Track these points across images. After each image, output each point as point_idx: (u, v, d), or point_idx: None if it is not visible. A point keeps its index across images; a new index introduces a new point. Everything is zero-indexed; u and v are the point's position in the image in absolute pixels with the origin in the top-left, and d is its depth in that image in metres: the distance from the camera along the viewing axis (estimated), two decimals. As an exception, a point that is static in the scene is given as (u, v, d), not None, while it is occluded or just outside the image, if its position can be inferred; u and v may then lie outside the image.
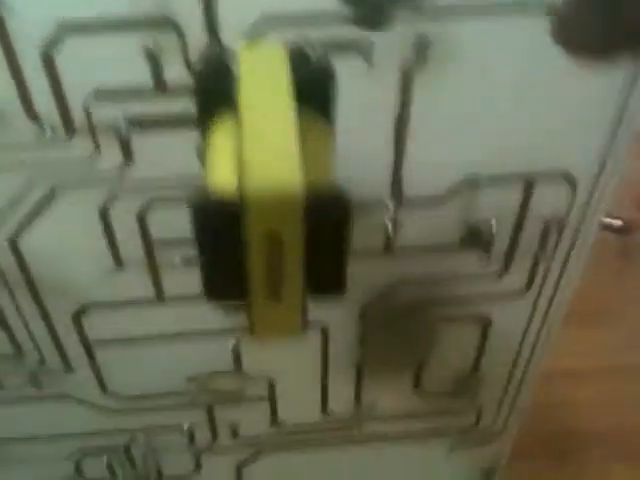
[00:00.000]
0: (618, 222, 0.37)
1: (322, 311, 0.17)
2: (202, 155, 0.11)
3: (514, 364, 0.19)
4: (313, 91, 0.11)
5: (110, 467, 0.21)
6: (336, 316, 0.17)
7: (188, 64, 0.12)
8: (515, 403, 0.21)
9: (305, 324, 0.11)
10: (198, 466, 0.21)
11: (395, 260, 0.16)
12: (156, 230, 0.14)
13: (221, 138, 0.11)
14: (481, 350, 0.18)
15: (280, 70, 0.10)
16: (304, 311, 0.11)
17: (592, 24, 0.09)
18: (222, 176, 0.10)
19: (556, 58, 0.13)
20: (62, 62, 0.12)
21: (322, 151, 0.11)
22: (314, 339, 0.18)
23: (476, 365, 0.19)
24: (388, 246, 0.16)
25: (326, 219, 0.09)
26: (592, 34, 0.09)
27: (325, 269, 0.10)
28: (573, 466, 0.27)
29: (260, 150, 0.09)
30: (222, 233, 0.10)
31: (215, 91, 0.11)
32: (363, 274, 0.16)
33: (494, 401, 0.20)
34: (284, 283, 0.10)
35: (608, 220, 0.37)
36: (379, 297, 0.17)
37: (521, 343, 0.18)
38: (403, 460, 0.22)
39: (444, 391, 0.20)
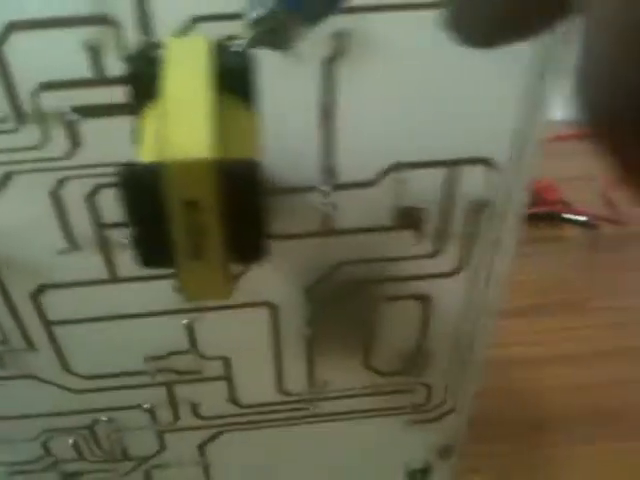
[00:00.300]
0: (584, 218, 0.39)
1: (271, 291, 0.18)
2: (135, 137, 0.13)
3: (457, 341, 0.20)
4: (236, 78, 0.12)
5: (77, 447, 0.22)
6: (284, 295, 0.18)
7: (123, 56, 0.13)
8: (464, 382, 0.22)
9: (232, 287, 0.12)
10: (162, 446, 0.22)
11: (335, 242, 0.17)
12: (107, 212, 0.16)
13: (148, 119, 0.12)
14: (424, 328, 0.20)
15: (202, 59, 0.12)
16: (229, 274, 0.12)
17: (476, 14, 0.10)
18: (147, 151, 0.11)
19: (460, 49, 0.14)
20: (10, 57, 0.13)
21: (245, 131, 0.12)
22: (264, 318, 0.19)
23: (421, 343, 0.20)
24: (327, 229, 0.17)
25: (238, 185, 0.10)
26: (476, 24, 0.10)
27: (244, 235, 0.11)
28: (536, 449, 0.29)
29: (176, 125, 0.10)
30: (146, 201, 0.11)
31: (144, 78, 0.12)
32: (306, 255, 0.17)
33: (442, 380, 0.22)
34: (206, 246, 0.11)
35: (574, 216, 0.39)
36: (323, 277, 0.18)
37: (461, 321, 0.20)
38: (360, 438, 0.23)
39: (393, 369, 0.21)
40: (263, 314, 0.19)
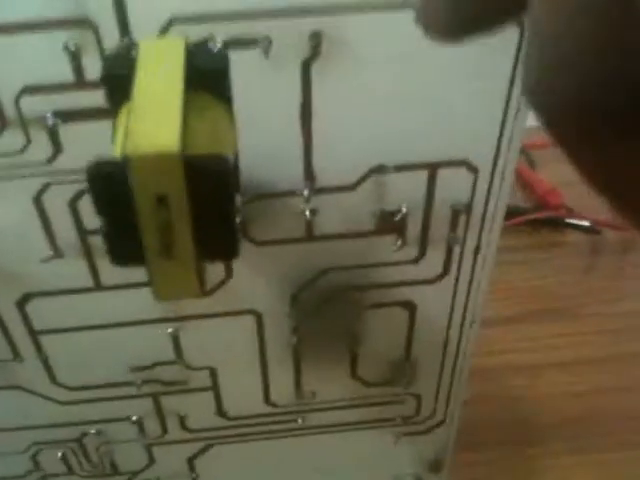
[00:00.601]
0: (587, 223, 0.38)
1: (255, 298, 0.18)
2: (112, 137, 0.13)
3: (444, 349, 0.20)
4: (211, 79, 0.12)
5: (66, 461, 0.22)
6: (268, 303, 0.18)
7: (102, 58, 0.13)
8: (453, 392, 0.22)
9: (204, 287, 0.12)
10: (152, 460, 0.22)
11: (317, 248, 0.17)
12: (90, 218, 0.16)
13: (120, 117, 0.12)
14: (410, 335, 0.20)
15: (176, 58, 0.12)
16: (201, 273, 0.12)
17: (442, 9, 0.10)
18: (117, 147, 0.11)
19: (440, 51, 0.14)
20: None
21: (219, 130, 0.12)
22: (249, 326, 0.19)
23: (408, 351, 0.20)
24: (309, 234, 0.17)
25: (207, 180, 0.11)
26: (445, 19, 0.11)
27: (215, 232, 0.11)
28: (527, 457, 0.28)
29: (145, 120, 0.10)
30: (116, 197, 0.11)
31: (121, 79, 0.12)
32: (289, 262, 0.17)
33: (431, 390, 0.21)
34: (176, 243, 0.11)
35: (577, 221, 0.39)
36: (307, 284, 0.18)
37: (448, 327, 0.20)
38: (349, 451, 0.23)
39: (381, 379, 0.21)
40: (248, 322, 0.19)
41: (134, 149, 0.10)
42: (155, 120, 0.10)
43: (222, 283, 0.17)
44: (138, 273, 0.14)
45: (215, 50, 0.13)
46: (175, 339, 0.19)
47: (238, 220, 0.12)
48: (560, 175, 0.34)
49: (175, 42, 0.12)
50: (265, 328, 0.19)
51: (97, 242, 0.16)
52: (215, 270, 0.17)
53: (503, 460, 0.28)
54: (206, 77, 0.12)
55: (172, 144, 0.10)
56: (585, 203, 0.38)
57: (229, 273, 0.17)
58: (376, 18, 0.14)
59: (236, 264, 0.17)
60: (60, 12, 0.13)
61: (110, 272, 0.17)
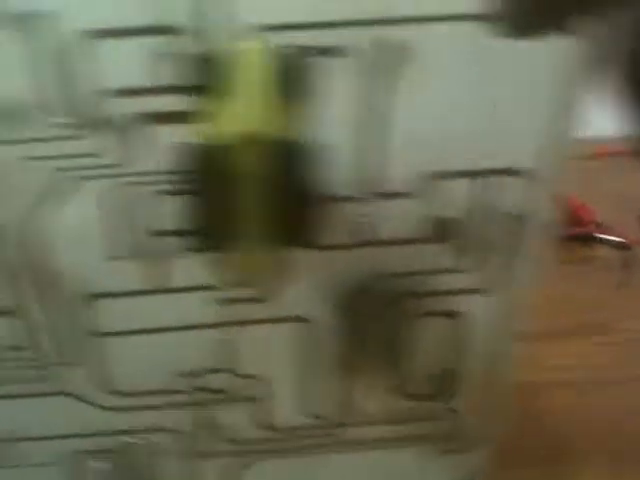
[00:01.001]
0: (618, 239, 0.39)
1: (305, 305, 0.18)
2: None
3: (488, 363, 0.20)
4: (291, 83, 0.13)
5: (107, 472, 0.22)
6: (318, 310, 0.18)
7: (184, 63, 0.14)
8: (495, 408, 0.22)
9: (283, 272, 0.13)
10: (195, 471, 0.22)
11: (368, 253, 0.18)
12: (160, 220, 0.16)
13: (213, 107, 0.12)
14: (456, 347, 0.20)
15: (261, 60, 0.12)
16: (281, 257, 0.12)
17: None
18: (208, 132, 0.12)
19: (492, 60, 0.15)
20: (78, 64, 0.14)
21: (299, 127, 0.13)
22: (297, 334, 0.19)
23: (451, 363, 0.20)
24: (361, 240, 0.17)
25: (295, 163, 0.11)
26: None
27: (298, 217, 0.12)
28: (569, 477, 0.28)
29: (236, 106, 0.11)
30: (205, 179, 0.11)
31: (206, 84, 0.13)
32: (340, 267, 0.18)
33: (473, 406, 0.21)
34: (257, 226, 0.12)
35: (608, 237, 0.39)
36: (356, 290, 0.18)
37: (492, 341, 0.20)
38: (387, 466, 0.23)
39: (423, 392, 0.21)
40: (296, 329, 0.19)
41: (225, 133, 0.11)
42: (246, 107, 0.11)
43: (274, 288, 0.18)
44: (199, 275, 0.14)
45: (296, 54, 0.13)
46: (226, 345, 0.19)
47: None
48: (591, 190, 0.35)
49: (260, 46, 0.13)
50: (313, 336, 0.19)
51: (165, 244, 0.16)
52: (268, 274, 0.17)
53: (544, 479, 0.27)
54: (288, 81, 0.13)
55: (266, 126, 0.11)
56: (616, 219, 0.39)
57: (281, 277, 0.17)
58: (435, 28, 0.14)
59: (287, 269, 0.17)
60: (147, 20, 0.14)
61: (172, 274, 0.17)
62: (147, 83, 0.14)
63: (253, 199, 0.11)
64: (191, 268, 0.16)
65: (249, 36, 0.13)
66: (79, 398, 0.19)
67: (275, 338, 0.19)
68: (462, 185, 0.17)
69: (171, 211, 0.15)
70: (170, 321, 0.18)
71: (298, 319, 0.19)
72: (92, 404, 0.20)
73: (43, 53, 0.13)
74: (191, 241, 0.12)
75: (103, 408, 0.20)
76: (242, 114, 0.11)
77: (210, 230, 0.12)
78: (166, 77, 0.14)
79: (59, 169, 0.15)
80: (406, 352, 0.20)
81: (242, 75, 0.12)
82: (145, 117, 0.14)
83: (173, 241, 0.16)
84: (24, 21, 0.13)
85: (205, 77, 0.13)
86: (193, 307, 0.18)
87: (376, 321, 0.19)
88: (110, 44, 0.14)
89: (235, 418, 0.21)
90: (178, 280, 0.17)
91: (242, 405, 0.20)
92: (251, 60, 0.12)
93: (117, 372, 0.19)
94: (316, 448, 0.22)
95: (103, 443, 0.21)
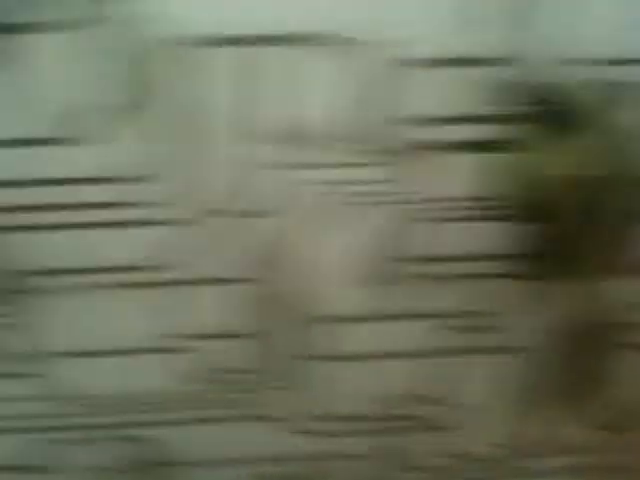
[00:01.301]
0: None
1: (516, 334, 0.18)
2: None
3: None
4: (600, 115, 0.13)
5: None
6: (538, 340, 0.18)
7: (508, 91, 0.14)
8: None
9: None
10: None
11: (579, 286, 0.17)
12: (417, 248, 0.16)
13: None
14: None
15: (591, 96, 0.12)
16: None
17: None
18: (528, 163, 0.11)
19: None
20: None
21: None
22: (498, 363, 0.19)
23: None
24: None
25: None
26: None
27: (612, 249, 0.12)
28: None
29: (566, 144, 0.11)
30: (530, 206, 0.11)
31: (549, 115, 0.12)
32: (558, 299, 0.18)
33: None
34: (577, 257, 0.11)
35: None
36: (583, 323, 0.18)
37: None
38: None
39: (620, 424, 0.20)
40: (513, 359, 0.19)
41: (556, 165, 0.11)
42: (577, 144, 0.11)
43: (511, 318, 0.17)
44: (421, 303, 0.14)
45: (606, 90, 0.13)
46: (439, 373, 0.19)
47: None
48: None
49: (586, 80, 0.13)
50: (528, 366, 0.19)
51: (422, 269, 0.16)
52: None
53: None
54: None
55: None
56: None
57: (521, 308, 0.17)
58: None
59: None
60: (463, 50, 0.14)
61: (401, 301, 0.17)
62: (453, 112, 0.14)
63: (574, 230, 0.11)
64: (427, 296, 0.16)
65: (569, 68, 0.13)
66: (274, 421, 0.19)
67: (490, 367, 0.19)
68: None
69: (456, 237, 0.15)
70: (389, 347, 0.18)
71: (520, 350, 0.18)
72: (287, 428, 0.19)
73: (355, 78, 0.14)
74: (511, 266, 0.12)
75: (297, 432, 0.20)
76: (572, 150, 0.11)
77: (541, 256, 0.12)
78: (471, 106, 0.14)
79: (347, 194, 0.15)
80: (601, 383, 0.19)
81: (576, 108, 0.12)
82: (447, 145, 0.14)
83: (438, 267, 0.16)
84: (346, 44, 0.13)
85: (530, 108, 0.13)
86: (414, 334, 0.18)
87: (587, 352, 0.19)
88: (422, 73, 0.14)
89: (425, 446, 0.20)
90: (405, 307, 0.17)
91: (434, 433, 0.20)
92: (580, 93, 0.12)
93: (320, 396, 0.19)
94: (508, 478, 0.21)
95: (290, 468, 0.20)
